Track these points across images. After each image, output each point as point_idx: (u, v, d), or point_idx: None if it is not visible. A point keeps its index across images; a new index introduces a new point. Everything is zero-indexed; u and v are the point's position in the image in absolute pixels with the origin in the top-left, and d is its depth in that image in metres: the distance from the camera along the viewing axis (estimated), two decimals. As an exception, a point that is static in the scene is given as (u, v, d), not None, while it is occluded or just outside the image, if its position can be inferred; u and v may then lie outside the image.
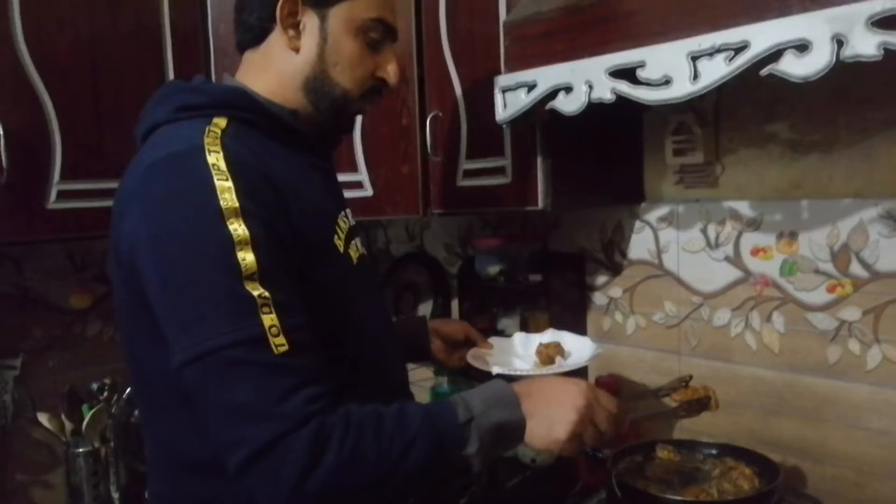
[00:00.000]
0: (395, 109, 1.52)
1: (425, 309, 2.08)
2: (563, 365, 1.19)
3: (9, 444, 1.53)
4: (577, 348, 1.25)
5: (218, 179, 0.76)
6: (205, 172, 0.76)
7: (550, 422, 0.85)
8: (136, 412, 1.54)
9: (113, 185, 1.33)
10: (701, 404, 1.11)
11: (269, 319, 0.73)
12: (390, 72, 0.97)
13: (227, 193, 0.75)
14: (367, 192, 1.55)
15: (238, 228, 0.74)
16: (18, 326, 1.57)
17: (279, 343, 0.73)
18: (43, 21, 1.27)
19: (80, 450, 1.49)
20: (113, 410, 1.54)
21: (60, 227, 1.31)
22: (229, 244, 0.73)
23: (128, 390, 1.55)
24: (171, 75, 1.41)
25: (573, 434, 0.85)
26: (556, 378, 0.95)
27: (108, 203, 1.32)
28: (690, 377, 1.15)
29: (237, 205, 0.75)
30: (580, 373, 1.47)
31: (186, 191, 0.76)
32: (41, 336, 1.60)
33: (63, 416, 1.52)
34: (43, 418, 1.52)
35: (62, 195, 1.31)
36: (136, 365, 0.88)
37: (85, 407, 1.54)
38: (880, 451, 1.23)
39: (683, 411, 1.11)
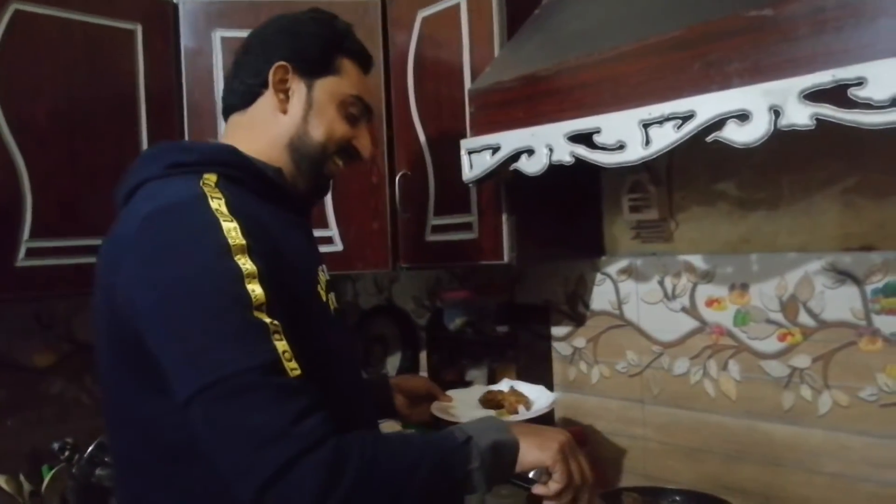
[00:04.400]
0: (365, 168, 1.58)
1: (394, 361, 2.09)
2: (525, 413, 1.25)
3: (-37, 510, 1.49)
4: (536, 397, 1.31)
5: (224, 221, 0.79)
6: (211, 215, 0.79)
7: (541, 440, 0.89)
8: (97, 472, 1.51)
9: (84, 242, 1.36)
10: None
11: (281, 345, 0.75)
12: (364, 145, 1.04)
13: (233, 232, 0.78)
14: (338, 247, 1.59)
15: (246, 263, 0.77)
16: (-20, 386, 1.54)
17: (292, 367, 0.75)
18: (20, 87, 1.30)
19: (39, 513, 1.45)
20: (73, 471, 1.50)
21: (28, 285, 1.31)
22: (239, 277, 0.76)
23: (89, 450, 1.52)
24: (145, 138, 1.45)
25: (563, 448, 0.88)
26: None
27: (78, 260, 1.35)
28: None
29: (243, 242, 0.78)
30: (547, 420, 1.50)
31: (193, 233, 0.79)
32: (3, 395, 1.57)
33: (22, 478, 1.48)
34: (0, 480, 1.48)
35: (31, 253, 1.31)
36: (118, 421, 0.88)
37: (45, 467, 1.50)
38: (837, 494, 1.27)
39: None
